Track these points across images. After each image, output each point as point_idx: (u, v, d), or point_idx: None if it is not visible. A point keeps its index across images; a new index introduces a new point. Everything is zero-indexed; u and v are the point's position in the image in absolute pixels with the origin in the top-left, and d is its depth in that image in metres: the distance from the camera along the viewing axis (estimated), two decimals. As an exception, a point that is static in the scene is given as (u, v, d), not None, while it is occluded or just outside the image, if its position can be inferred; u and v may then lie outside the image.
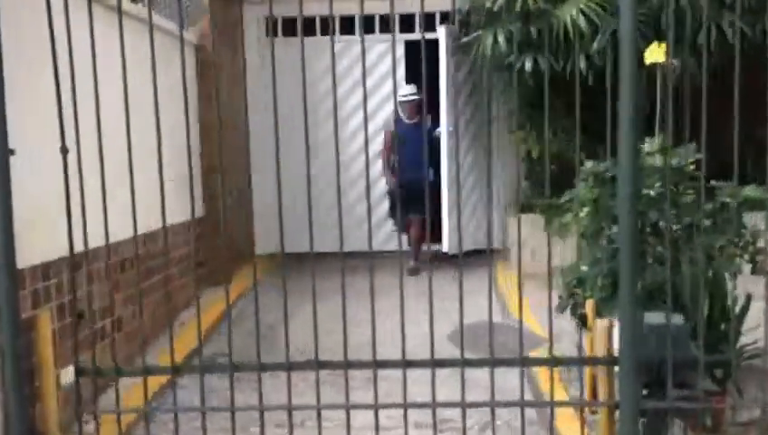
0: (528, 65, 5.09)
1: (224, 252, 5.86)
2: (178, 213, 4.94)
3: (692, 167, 3.50)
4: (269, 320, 4.97)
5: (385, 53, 7.26)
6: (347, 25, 7.16)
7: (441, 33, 6.75)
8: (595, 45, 4.88)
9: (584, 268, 3.75)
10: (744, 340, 3.26)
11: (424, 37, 2.71)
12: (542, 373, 4.13)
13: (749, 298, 3.41)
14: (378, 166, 7.21)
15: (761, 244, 3.53)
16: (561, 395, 3.66)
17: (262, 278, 6.41)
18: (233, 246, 6.17)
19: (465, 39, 6.04)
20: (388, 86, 7.15)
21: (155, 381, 3.38)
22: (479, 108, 7.13)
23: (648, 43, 3.40)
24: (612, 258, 3.66)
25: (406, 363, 2.77)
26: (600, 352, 2.88)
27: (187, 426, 2.81)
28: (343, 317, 2.63)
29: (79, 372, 2.74)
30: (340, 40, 7.06)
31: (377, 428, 2.63)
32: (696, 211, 3.18)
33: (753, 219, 3.55)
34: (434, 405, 2.65)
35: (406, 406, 2.65)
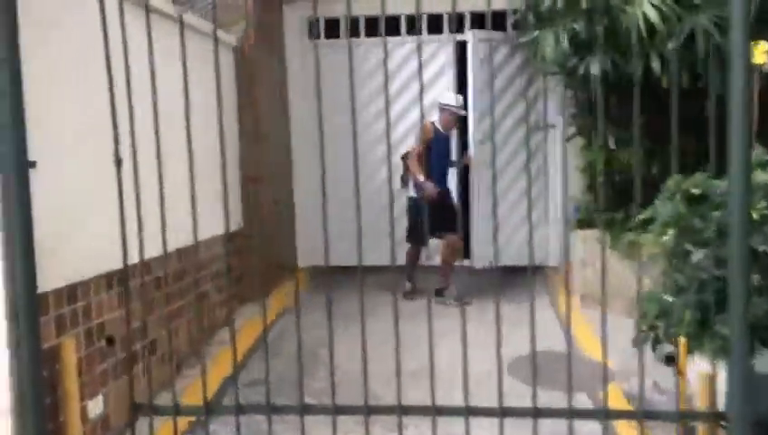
0: (594, 68, 4.64)
1: (260, 266, 5.57)
2: (215, 225, 4.67)
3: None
4: (311, 342, 4.65)
5: (435, 54, 6.85)
6: (392, 26, 6.78)
7: (469, 37, 6.40)
8: (670, 45, 4.40)
9: (667, 298, 3.31)
10: None
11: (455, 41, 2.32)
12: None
13: None
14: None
15: None
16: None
17: (305, 293, 6.11)
18: (273, 259, 5.85)
19: (522, 40, 5.61)
20: (438, 89, 6.77)
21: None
22: (532, 113, 6.71)
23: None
24: (700, 288, 3.22)
25: (468, 411, 2.39)
26: (700, 401, 2.45)
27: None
28: (363, 359, 2.26)
29: (135, 408, 2.44)
30: (387, 42, 6.72)
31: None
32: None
33: None
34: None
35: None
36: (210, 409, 2.54)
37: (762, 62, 2.97)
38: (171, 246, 4.12)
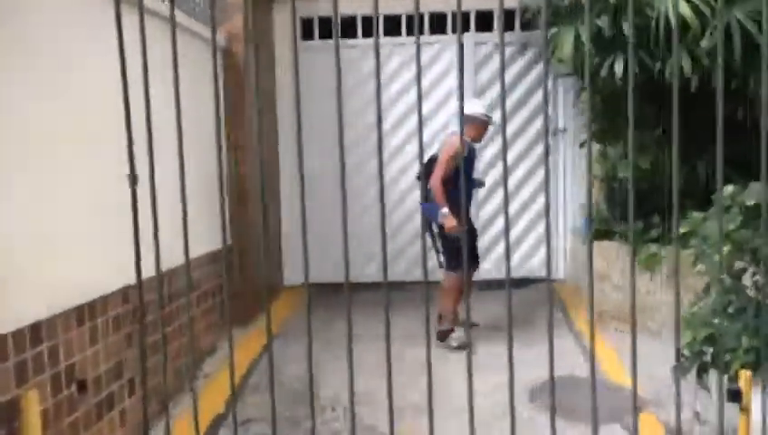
0: (618, 67, 4.24)
1: (254, 285, 5.10)
2: (201, 244, 4.20)
3: None
4: (304, 371, 4.19)
5: (438, 56, 6.40)
6: (392, 26, 6.32)
7: (466, 41, 6.02)
8: (704, 42, 4.01)
9: (719, 322, 2.89)
10: None
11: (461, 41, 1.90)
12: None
13: None
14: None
15: None
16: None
17: (292, 315, 5.64)
18: (259, 278, 5.36)
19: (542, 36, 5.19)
20: (441, 93, 6.35)
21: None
22: (540, 118, 6.31)
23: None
24: (758, 311, 2.82)
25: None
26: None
27: None
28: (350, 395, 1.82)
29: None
30: (385, 43, 6.27)
31: None
32: None
33: None
34: None
35: None
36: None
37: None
38: (152, 271, 3.66)
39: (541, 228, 6.30)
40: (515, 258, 6.38)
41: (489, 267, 6.30)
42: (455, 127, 4.97)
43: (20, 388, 2.50)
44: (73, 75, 2.93)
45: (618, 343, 4.51)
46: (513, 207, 6.39)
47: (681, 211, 2.32)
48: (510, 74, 6.27)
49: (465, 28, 6.24)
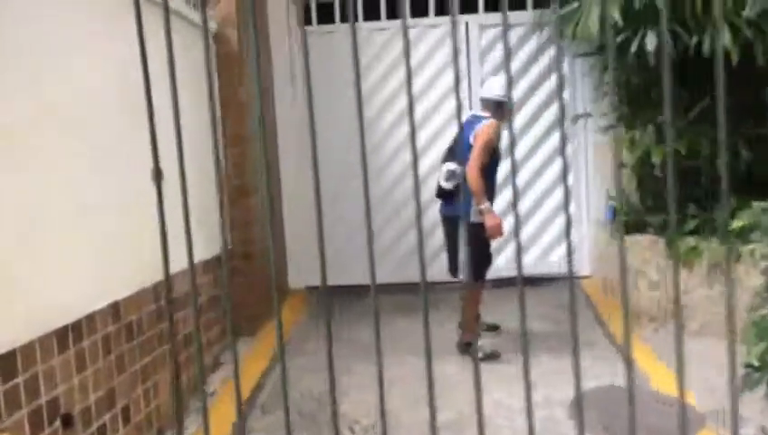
0: (651, 43, 3.86)
1: (260, 291, 4.71)
2: (199, 250, 3.81)
3: None
4: (316, 387, 3.83)
5: (444, 39, 5.99)
6: (393, 8, 5.92)
7: (470, 21, 5.72)
8: (746, 11, 3.64)
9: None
10: None
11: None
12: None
13: None
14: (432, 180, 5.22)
15: None
16: None
17: (299, 321, 5.26)
18: (263, 282, 4.95)
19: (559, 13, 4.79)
20: (448, 78, 5.95)
21: None
22: (556, 102, 5.91)
23: None
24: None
25: None
26: None
27: None
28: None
29: None
30: (386, 27, 5.86)
31: None
32: None
33: None
34: None
35: None
36: None
37: None
38: (147, 281, 3.27)
39: (561, 221, 5.91)
40: (533, 254, 5.98)
41: (504, 265, 5.88)
42: (476, 111, 4.48)
43: (-8, 430, 2.12)
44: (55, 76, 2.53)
45: (659, 346, 4.15)
46: (529, 199, 6.00)
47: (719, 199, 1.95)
48: (522, 57, 5.88)
49: (473, 8, 5.85)
